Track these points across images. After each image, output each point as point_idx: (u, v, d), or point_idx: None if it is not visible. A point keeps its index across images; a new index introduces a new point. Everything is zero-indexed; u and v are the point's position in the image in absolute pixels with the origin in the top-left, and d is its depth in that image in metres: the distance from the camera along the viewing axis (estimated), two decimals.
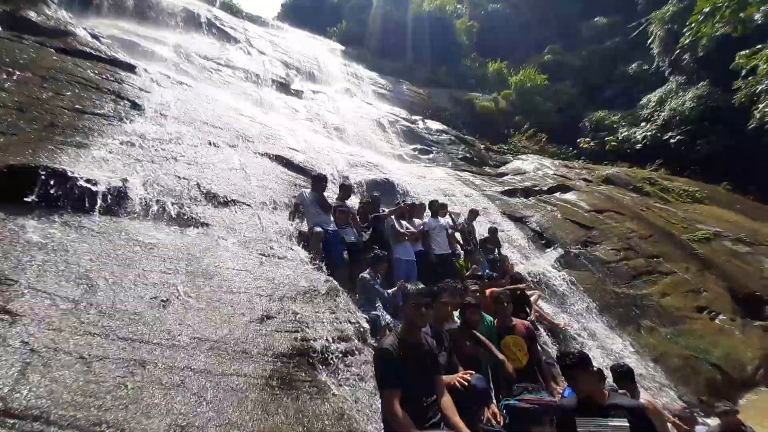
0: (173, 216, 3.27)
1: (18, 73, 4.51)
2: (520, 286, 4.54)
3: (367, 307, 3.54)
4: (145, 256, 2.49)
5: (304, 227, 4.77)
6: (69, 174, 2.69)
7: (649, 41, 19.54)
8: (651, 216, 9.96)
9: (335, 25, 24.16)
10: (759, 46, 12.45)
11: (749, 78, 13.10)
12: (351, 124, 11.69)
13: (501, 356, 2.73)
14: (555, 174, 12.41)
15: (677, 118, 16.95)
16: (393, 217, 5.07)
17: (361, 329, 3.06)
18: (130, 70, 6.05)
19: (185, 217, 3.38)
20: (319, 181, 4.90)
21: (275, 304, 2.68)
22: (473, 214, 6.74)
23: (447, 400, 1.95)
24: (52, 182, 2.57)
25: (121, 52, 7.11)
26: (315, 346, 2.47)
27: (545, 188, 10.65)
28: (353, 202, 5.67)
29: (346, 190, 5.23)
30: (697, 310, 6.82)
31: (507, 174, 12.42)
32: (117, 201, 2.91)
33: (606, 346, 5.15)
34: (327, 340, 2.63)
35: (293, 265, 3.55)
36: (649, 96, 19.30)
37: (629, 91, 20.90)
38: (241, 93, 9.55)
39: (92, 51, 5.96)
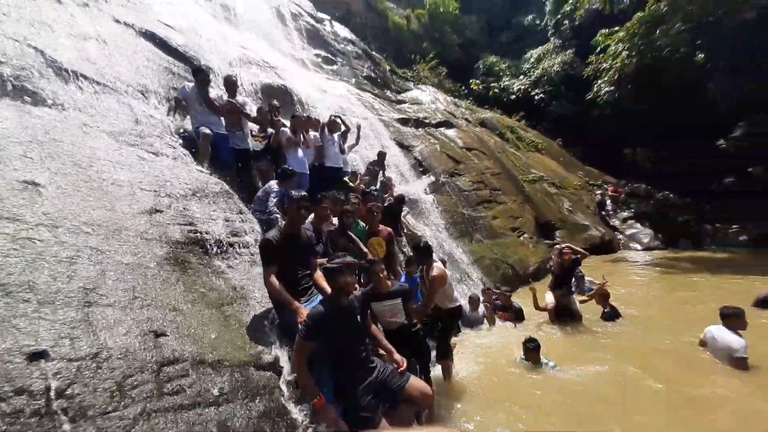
0: (14, 89, 2.73)
1: None
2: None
3: (263, 212, 3.88)
4: None
5: (187, 125, 4.47)
6: None
7: None
8: (504, 158, 12.43)
9: None
10: (617, 28, 15.01)
11: (600, 55, 16.03)
12: (245, 5, 9.91)
13: (364, 249, 3.64)
14: (445, 110, 13.70)
15: (545, 78, 19.99)
16: (289, 128, 5.17)
17: (254, 228, 3.47)
18: None
19: (30, 92, 2.85)
20: (204, 75, 4.45)
21: (164, 200, 2.80)
22: (382, 156, 7.09)
23: (319, 274, 2.69)
24: None
25: None
26: (207, 238, 2.81)
27: (434, 122, 11.82)
28: (243, 102, 5.37)
29: (231, 86, 4.82)
30: (512, 230, 9.49)
31: (405, 102, 13.06)
32: None
33: (445, 248, 6.92)
34: (218, 234, 2.98)
35: (177, 164, 3.50)
36: (532, 51, 21.75)
37: (522, 41, 22.97)
38: None
39: None
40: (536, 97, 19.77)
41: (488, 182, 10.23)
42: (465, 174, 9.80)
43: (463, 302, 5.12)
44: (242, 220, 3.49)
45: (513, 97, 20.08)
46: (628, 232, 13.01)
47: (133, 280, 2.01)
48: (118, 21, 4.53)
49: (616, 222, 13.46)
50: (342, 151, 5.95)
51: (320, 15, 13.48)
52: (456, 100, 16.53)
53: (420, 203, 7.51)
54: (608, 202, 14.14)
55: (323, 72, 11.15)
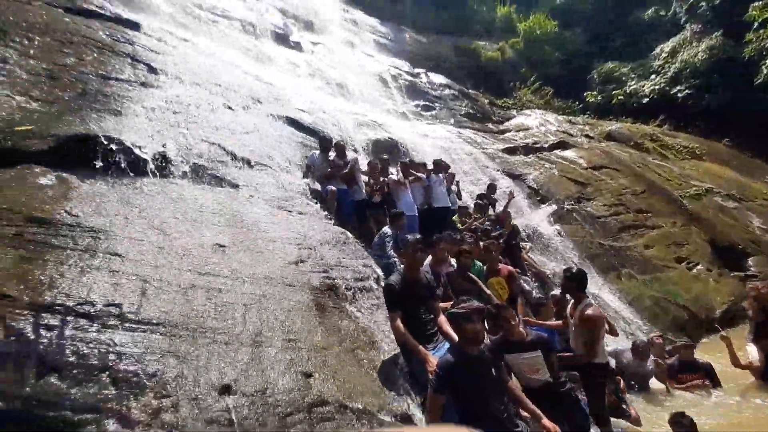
0: (207, 177, 3.74)
1: (38, 38, 4.67)
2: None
3: (381, 257, 4.14)
4: (197, 210, 3.01)
5: (316, 185, 5.28)
6: (124, 142, 3.12)
7: None
8: (647, 172, 10.32)
9: None
10: None
11: (760, 31, 12.61)
12: (353, 79, 11.58)
13: (488, 291, 3.39)
14: (557, 130, 12.52)
15: (687, 70, 16.43)
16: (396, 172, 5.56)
17: (375, 273, 3.69)
18: (135, 28, 6.09)
19: (218, 178, 3.85)
20: (325, 143, 5.46)
21: (305, 252, 3.25)
22: (492, 188, 6.99)
23: (442, 318, 2.60)
24: (111, 149, 3.00)
25: (121, 6, 7.01)
26: (340, 284, 3.09)
27: (546, 145, 10.88)
28: (352, 156, 6.00)
29: (340, 149, 5.59)
30: (677, 261, 7.49)
31: (510, 130, 12.54)
32: (162, 164, 3.37)
33: (590, 291, 5.87)
34: (347, 279, 3.25)
35: (313, 219, 4.09)
36: (662, 46, 18.43)
37: (642, 39, 19.82)
38: (240, 47, 9.43)
39: (97, 8, 5.95)
40: (679, 95, 16.26)
41: (629, 204, 8.57)
42: (596, 197, 8.47)
43: (623, 347, 4.15)
44: (365, 265, 3.74)
45: (645, 100, 17.01)
46: None
47: (287, 324, 2.33)
48: (269, 115, 5.88)
49: None
50: (449, 191, 5.98)
51: (416, 70, 14.64)
52: (570, 117, 14.98)
53: (544, 236, 6.74)
54: None
55: (423, 119, 11.82)
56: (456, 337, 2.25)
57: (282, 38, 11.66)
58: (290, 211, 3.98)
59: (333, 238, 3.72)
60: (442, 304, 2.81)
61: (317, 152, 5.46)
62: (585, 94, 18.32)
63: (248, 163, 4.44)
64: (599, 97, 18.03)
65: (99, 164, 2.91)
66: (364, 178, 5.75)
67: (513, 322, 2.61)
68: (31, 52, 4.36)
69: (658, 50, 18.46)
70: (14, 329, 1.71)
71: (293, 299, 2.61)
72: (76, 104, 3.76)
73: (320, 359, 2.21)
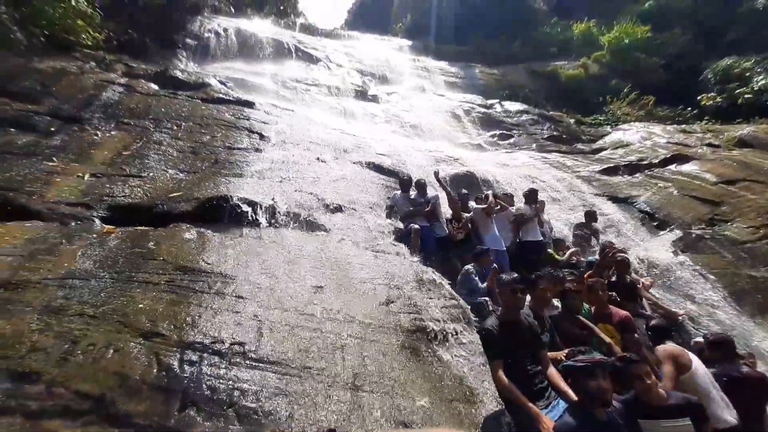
0: (305, 224, 4.16)
1: (183, 123, 6.07)
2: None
3: (468, 296, 3.95)
4: (297, 254, 3.35)
5: (399, 224, 5.41)
6: (244, 198, 3.76)
7: None
8: None
9: (399, 21, 24.41)
10: None
11: None
12: (426, 119, 12.03)
13: (607, 339, 2.86)
14: (668, 143, 10.77)
15: None
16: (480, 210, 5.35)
17: (465, 313, 3.48)
18: (249, 106, 7.47)
19: (313, 224, 4.25)
20: (406, 184, 5.65)
21: (394, 291, 3.28)
22: (590, 216, 6.29)
23: (553, 371, 2.26)
24: (235, 206, 3.64)
25: (239, 91, 8.76)
26: (430, 326, 3.00)
27: (656, 161, 9.37)
28: (432, 194, 6.02)
29: (421, 187, 5.68)
30: None
31: (605, 149, 11.26)
32: (271, 215, 3.90)
33: (743, 337, 4.58)
34: (439, 321, 3.14)
35: (399, 259, 4.15)
36: None
37: (762, 30, 16.42)
38: (328, 108, 10.73)
39: (224, 96, 7.54)
40: None
41: None
42: (735, 218, 6.83)
43: None
44: (455, 306, 3.57)
45: None
46: None
47: (382, 367, 2.32)
48: (354, 162, 6.42)
49: None
50: (540, 224, 5.50)
51: (489, 101, 14.55)
52: (683, 126, 12.82)
53: (669, 270, 5.61)
54: None
55: (501, 147, 11.45)
56: (574, 396, 1.92)
57: (361, 94, 12.95)
58: (376, 252, 4.12)
59: (420, 277, 3.68)
60: (549, 354, 2.47)
61: (399, 192, 5.68)
62: (699, 97, 15.60)
63: (338, 208, 4.82)
64: (719, 99, 15.14)
65: (226, 219, 3.50)
66: (447, 214, 5.70)
67: (649, 381, 2.11)
68: (179, 134, 5.67)
69: None
70: (165, 364, 2.06)
71: (386, 341, 2.61)
72: (210, 171, 4.69)
73: (418, 411, 2.11)
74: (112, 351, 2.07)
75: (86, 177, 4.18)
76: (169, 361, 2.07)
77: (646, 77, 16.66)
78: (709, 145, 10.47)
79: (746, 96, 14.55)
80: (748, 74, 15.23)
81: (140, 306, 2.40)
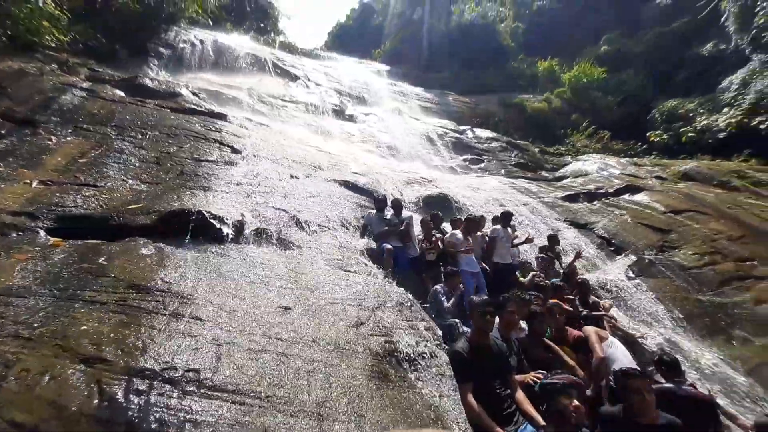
0: (275, 241, 4.03)
1: (149, 132, 5.81)
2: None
3: (437, 317, 3.94)
4: (267, 274, 3.21)
5: (372, 244, 5.38)
6: (210, 213, 3.58)
7: (722, 19, 17.49)
8: (742, 214, 8.88)
9: (379, 47, 25.29)
10: None
11: None
12: (402, 141, 12.32)
13: (571, 362, 2.94)
14: (622, 174, 11.67)
15: (765, 100, 14.84)
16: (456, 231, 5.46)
17: (436, 335, 3.46)
18: (223, 118, 7.31)
19: (283, 241, 4.13)
20: (380, 204, 5.68)
21: (364, 313, 3.21)
22: (553, 239, 6.53)
23: (521, 395, 2.27)
24: (199, 220, 3.46)
25: (212, 102, 8.57)
26: (400, 348, 2.94)
27: (611, 190, 10.09)
28: (407, 214, 6.11)
29: (397, 207, 5.74)
30: None
31: (566, 177, 11.99)
32: (238, 231, 3.74)
33: (691, 358, 4.87)
34: (408, 343, 3.09)
35: (370, 279, 4.09)
36: (730, 78, 17.13)
37: (706, 74, 18.67)
38: (304, 124, 10.73)
39: (195, 107, 7.34)
40: (762, 126, 14.51)
41: (726, 251, 7.31)
42: (682, 245, 7.41)
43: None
44: (426, 327, 3.54)
45: (722, 135, 15.41)
46: None
47: (350, 394, 2.22)
48: (328, 180, 6.39)
49: None
50: (512, 245, 5.69)
51: (461, 127, 15.22)
52: (635, 159, 14.00)
53: (624, 292, 5.93)
54: None
55: (472, 172, 11.89)
56: (541, 421, 1.92)
57: (339, 113, 13.10)
58: (348, 271, 4.04)
59: (391, 298, 3.64)
60: (517, 377, 2.49)
61: (373, 212, 5.68)
62: (648, 134, 17.21)
63: (309, 225, 4.73)
64: (665, 136, 16.77)
65: (189, 235, 3.32)
66: (419, 235, 5.75)
67: (648, 397, 2.06)
68: (144, 143, 5.40)
69: (726, 83, 17.13)
70: (108, 394, 1.85)
71: (355, 365, 2.52)
72: (174, 183, 4.47)
73: None
74: (47, 378, 1.84)
75: (34, 184, 3.85)
76: (112, 390, 1.87)
77: (603, 114, 18.20)
78: (658, 177, 11.46)
79: (689, 134, 16.24)
80: (691, 114, 17.06)
81: (83, 328, 2.17)
